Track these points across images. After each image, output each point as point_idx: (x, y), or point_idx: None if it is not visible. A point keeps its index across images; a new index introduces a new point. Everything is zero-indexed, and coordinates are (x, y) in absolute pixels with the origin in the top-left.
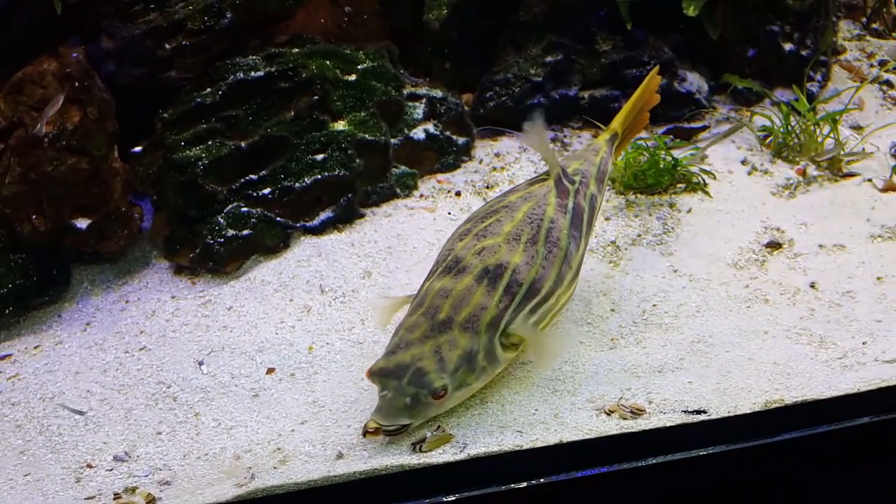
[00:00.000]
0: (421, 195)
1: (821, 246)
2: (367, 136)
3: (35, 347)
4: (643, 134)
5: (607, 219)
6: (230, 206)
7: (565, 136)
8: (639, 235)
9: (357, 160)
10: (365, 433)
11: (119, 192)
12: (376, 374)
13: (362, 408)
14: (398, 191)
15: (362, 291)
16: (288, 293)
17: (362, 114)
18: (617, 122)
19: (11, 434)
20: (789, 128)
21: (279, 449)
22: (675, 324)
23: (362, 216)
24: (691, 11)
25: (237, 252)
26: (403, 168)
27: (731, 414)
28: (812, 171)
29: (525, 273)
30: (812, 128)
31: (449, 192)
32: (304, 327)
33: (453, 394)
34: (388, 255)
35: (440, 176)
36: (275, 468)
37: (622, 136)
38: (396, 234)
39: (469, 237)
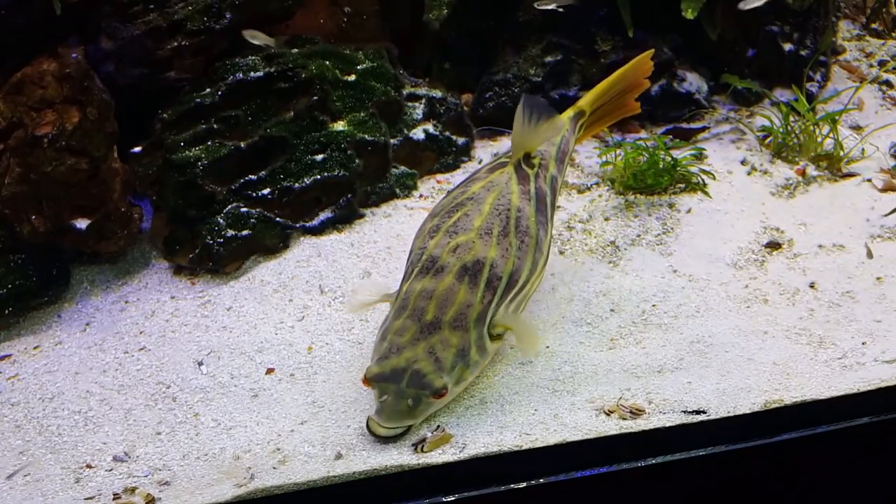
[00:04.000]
0: (420, 195)
1: (820, 246)
2: (366, 136)
3: (35, 348)
4: (643, 134)
5: (607, 219)
6: (229, 207)
7: None
8: (638, 236)
9: (356, 160)
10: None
11: (118, 193)
12: (373, 380)
13: (362, 408)
14: (398, 191)
15: None
16: (287, 293)
17: (362, 114)
18: (585, 101)
19: (11, 434)
20: (789, 128)
21: (278, 449)
22: (674, 324)
23: (362, 216)
24: (689, 14)
25: (236, 252)
26: (403, 168)
27: (731, 414)
28: (811, 171)
29: (503, 266)
30: (811, 128)
31: None
32: (303, 328)
33: (452, 390)
34: (388, 255)
35: (440, 176)
36: (274, 468)
37: (593, 115)
38: (396, 235)
39: (440, 234)
